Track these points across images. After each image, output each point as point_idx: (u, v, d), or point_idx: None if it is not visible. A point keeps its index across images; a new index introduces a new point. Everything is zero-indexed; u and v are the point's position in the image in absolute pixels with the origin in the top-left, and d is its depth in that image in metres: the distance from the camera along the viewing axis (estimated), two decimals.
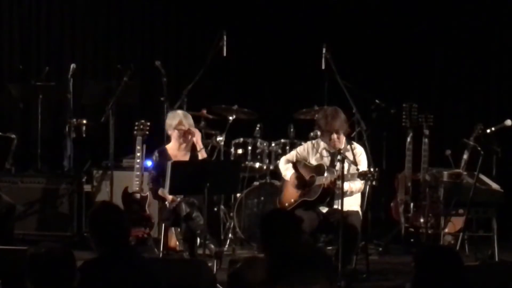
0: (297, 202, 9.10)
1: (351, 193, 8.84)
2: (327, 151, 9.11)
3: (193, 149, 9.80)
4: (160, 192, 9.47)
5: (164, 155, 9.58)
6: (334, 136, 8.95)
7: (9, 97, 11.79)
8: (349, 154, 8.83)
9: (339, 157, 8.80)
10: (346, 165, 8.74)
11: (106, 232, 6.01)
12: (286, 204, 9.20)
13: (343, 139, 8.99)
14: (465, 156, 10.15)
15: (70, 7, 13.14)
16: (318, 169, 9.08)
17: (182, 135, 9.55)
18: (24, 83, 11.83)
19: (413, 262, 5.26)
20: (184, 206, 9.25)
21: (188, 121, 9.63)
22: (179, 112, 9.81)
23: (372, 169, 8.84)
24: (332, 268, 3.96)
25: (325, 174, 8.98)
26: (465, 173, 9.96)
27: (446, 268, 5.06)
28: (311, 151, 9.30)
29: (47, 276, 4.99)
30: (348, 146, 8.91)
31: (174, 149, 9.65)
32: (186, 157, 9.64)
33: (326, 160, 9.11)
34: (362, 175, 8.78)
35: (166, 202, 9.42)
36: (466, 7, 12.27)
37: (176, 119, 9.60)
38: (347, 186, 8.75)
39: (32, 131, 11.79)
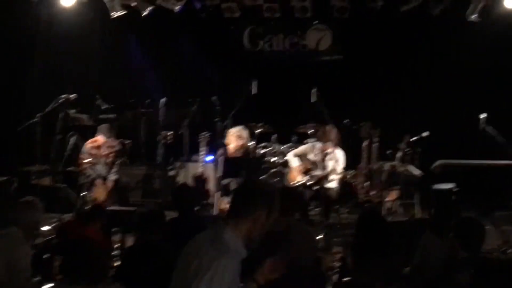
0: (299, 183, 9.29)
1: (333, 181, 9.01)
2: (320, 151, 9.29)
3: (246, 151, 10.01)
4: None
5: (225, 152, 9.81)
6: (327, 143, 9.18)
7: (125, 119, 11.85)
8: (333, 155, 9.01)
9: (327, 157, 9.05)
10: (332, 162, 8.98)
11: (182, 201, 6.25)
12: (291, 183, 9.39)
13: (332, 145, 9.19)
14: (398, 154, 10.07)
15: (162, 64, 13.28)
16: (314, 164, 9.30)
17: (237, 139, 9.79)
18: (134, 110, 11.98)
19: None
20: (232, 183, 9.47)
21: (244, 133, 9.92)
22: (241, 127, 10.05)
23: (351, 172, 9.10)
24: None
25: (318, 170, 9.19)
26: (398, 164, 9.97)
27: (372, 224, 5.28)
28: (310, 150, 9.51)
29: (148, 226, 5.25)
30: (333, 150, 9.11)
31: (231, 148, 9.84)
32: (239, 155, 9.82)
33: (319, 157, 9.29)
34: (341, 173, 8.99)
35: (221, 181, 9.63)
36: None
37: (237, 130, 9.92)
38: (331, 177, 9.00)
39: (138, 139, 11.80)
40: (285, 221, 5.21)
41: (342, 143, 9.60)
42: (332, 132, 9.28)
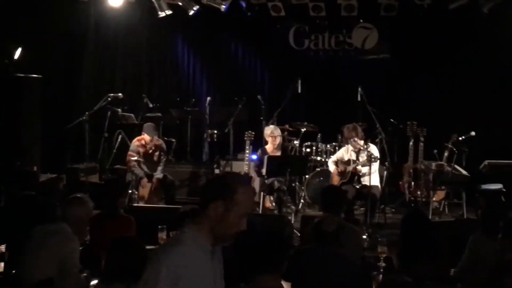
0: (339, 183, 9.24)
1: (370, 174, 8.91)
2: (353, 150, 9.25)
3: (284, 149, 10.02)
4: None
5: (264, 151, 9.81)
6: (353, 141, 9.12)
7: (171, 117, 11.85)
8: (366, 150, 8.95)
9: (362, 153, 9.00)
10: (365, 156, 8.91)
11: None
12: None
13: (361, 141, 9.11)
14: (445, 154, 9.97)
15: (207, 63, 13.38)
16: (348, 162, 9.26)
17: (272, 139, 9.79)
18: (180, 108, 12.00)
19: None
20: (276, 182, 9.46)
21: (276, 131, 9.87)
22: (271, 126, 10.03)
23: (377, 155, 9.00)
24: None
25: (351, 164, 9.16)
26: (445, 164, 9.83)
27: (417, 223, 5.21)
28: (345, 152, 9.47)
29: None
30: (365, 145, 9.04)
31: (270, 148, 9.86)
32: (277, 153, 9.85)
33: (353, 156, 9.23)
34: (370, 159, 8.87)
35: (266, 180, 9.60)
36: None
37: (269, 130, 9.86)
38: (366, 169, 8.94)
39: (184, 137, 11.83)
40: (336, 221, 5.18)
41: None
42: (356, 129, 9.22)
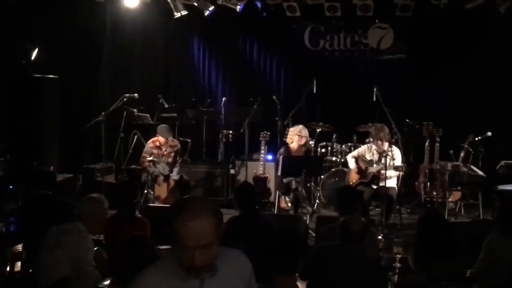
0: (357, 182, 9.21)
1: (390, 178, 8.88)
2: (376, 151, 9.19)
3: (307, 150, 9.98)
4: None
5: (287, 150, 9.79)
6: (379, 142, 9.06)
7: (186, 117, 11.80)
8: (389, 153, 8.89)
9: (383, 155, 8.92)
10: (388, 160, 8.85)
11: (245, 199, 6.24)
12: (351, 183, 9.30)
13: (386, 144, 9.06)
14: (461, 154, 9.96)
15: (223, 64, 13.39)
16: (370, 162, 9.19)
17: (299, 138, 9.74)
18: (195, 109, 11.97)
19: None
20: (294, 182, 9.44)
21: (304, 131, 9.83)
22: (300, 126, 9.99)
23: (403, 165, 8.94)
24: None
25: (374, 166, 9.09)
26: (461, 164, 9.79)
27: (434, 224, 5.18)
28: (367, 150, 9.40)
29: None
30: (389, 148, 8.99)
31: (295, 147, 9.82)
32: (300, 154, 9.81)
33: (376, 157, 9.18)
34: (396, 168, 8.86)
35: (284, 179, 9.58)
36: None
37: (298, 129, 9.81)
38: (388, 173, 8.83)
39: (199, 138, 11.77)
40: (362, 221, 5.17)
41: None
42: (384, 129, 9.16)
